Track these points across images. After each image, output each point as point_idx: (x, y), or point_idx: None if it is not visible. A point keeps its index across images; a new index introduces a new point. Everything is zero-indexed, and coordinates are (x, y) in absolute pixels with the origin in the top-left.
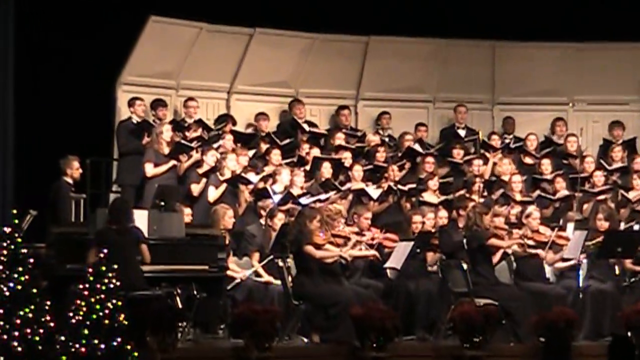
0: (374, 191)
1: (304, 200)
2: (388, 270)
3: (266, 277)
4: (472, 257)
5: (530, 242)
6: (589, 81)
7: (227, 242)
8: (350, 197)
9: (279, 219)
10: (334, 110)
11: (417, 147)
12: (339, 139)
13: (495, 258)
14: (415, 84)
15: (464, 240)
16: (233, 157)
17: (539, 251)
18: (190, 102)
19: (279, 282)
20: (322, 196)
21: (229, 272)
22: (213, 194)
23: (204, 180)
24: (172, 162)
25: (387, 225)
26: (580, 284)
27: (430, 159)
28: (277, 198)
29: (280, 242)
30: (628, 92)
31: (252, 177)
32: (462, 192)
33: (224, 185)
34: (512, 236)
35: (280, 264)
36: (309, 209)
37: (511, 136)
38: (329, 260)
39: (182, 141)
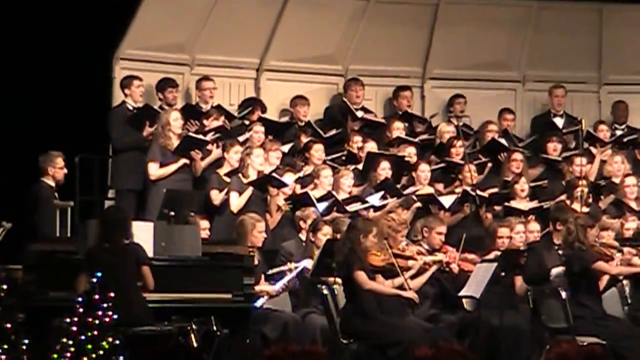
0: (445, 198)
1: (352, 207)
2: (464, 300)
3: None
4: (573, 283)
5: None
6: None
7: (256, 263)
8: (414, 205)
9: (324, 234)
10: (393, 93)
11: (501, 140)
12: (399, 129)
13: (602, 283)
14: (498, 59)
15: (562, 262)
16: (260, 152)
17: None
18: (206, 82)
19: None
20: (377, 201)
21: (257, 287)
22: (236, 201)
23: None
24: (184, 161)
25: (464, 242)
26: None
27: (518, 156)
28: (321, 206)
29: (325, 263)
30: None
31: (287, 178)
32: (560, 198)
33: (250, 190)
34: (625, 257)
35: (325, 291)
36: (363, 220)
37: (624, 126)
38: (386, 291)
39: (195, 135)
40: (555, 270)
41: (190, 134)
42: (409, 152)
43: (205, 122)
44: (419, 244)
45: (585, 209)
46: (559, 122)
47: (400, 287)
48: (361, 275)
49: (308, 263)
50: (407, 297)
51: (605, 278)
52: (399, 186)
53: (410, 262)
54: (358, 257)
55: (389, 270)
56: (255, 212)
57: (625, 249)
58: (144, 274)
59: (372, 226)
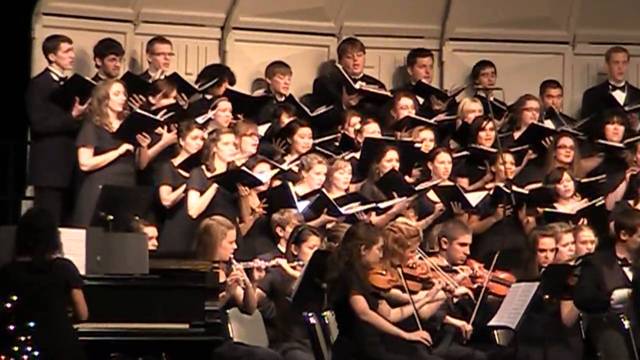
0: (472, 195)
1: (348, 209)
2: (497, 332)
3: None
4: None
5: None
6: None
7: (221, 282)
8: (436, 210)
9: (311, 246)
10: (407, 59)
11: (546, 122)
12: (407, 107)
13: None
14: (539, 14)
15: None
16: (231, 138)
17: None
18: (161, 44)
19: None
20: (383, 203)
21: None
22: (196, 202)
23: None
24: (126, 146)
25: (494, 256)
26: None
27: (568, 142)
28: (302, 205)
29: (312, 282)
30: None
31: (263, 173)
32: (616, 195)
33: (214, 188)
34: None
35: (313, 320)
36: (367, 227)
37: None
38: (387, 327)
39: (143, 112)
40: (619, 293)
41: (138, 110)
42: (424, 137)
43: (151, 98)
44: (436, 257)
45: None
46: (620, 96)
47: (410, 319)
48: (359, 301)
49: (283, 262)
50: (414, 341)
51: None
52: (410, 181)
53: (421, 292)
54: (357, 276)
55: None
56: (224, 216)
57: None
58: (76, 299)
59: (378, 236)
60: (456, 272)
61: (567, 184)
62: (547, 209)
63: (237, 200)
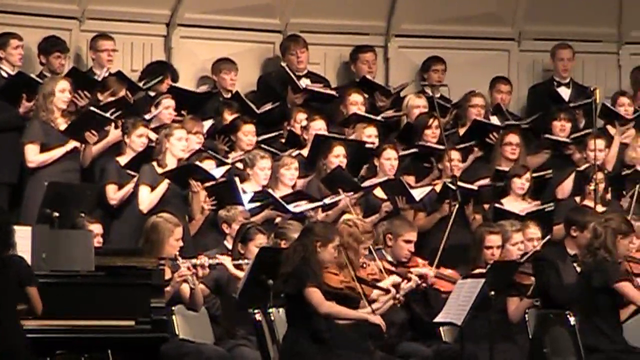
0: (416, 190)
1: (296, 207)
2: (442, 329)
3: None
4: (588, 305)
5: None
6: None
7: (167, 278)
8: (382, 209)
9: (259, 245)
10: (350, 55)
11: (492, 118)
12: (358, 103)
13: (627, 312)
14: (485, 10)
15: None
16: (183, 134)
17: None
18: (104, 41)
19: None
20: (327, 199)
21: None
22: (147, 197)
23: (131, 182)
24: (73, 144)
25: (441, 253)
26: None
27: (514, 138)
28: (251, 204)
29: (258, 279)
30: None
31: (211, 168)
32: (559, 191)
33: (165, 183)
34: None
35: (259, 317)
36: (324, 225)
37: None
38: (344, 321)
39: (97, 110)
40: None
41: (92, 108)
42: (369, 134)
43: (99, 95)
44: (381, 256)
45: (602, 208)
46: (565, 92)
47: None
48: (315, 293)
49: (226, 261)
50: (375, 323)
51: (631, 307)
52: (357, 178)
53: (376, 292)
54: (313, 271)
55: (347, 296)
56: (171, 213)
57: None
58: (31, 297)
59: (335, 235)
60: (408, 278)
61: (524, 183)
62: (496, 206)
63: (186, 197)
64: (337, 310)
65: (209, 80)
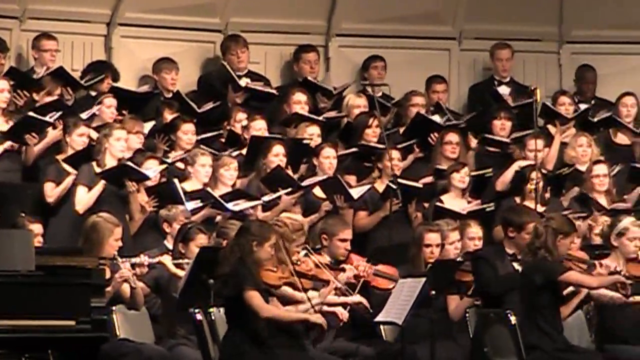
0: (354, 189)
1: (235, 205)
2: (383, 328)
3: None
4: (529, 304)
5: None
6: None
7: (107, 278)
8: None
9: (199, 244)
10: (293, 55)
11: (433, 117)
12: (300, 102)
13: (569, 308)
14: (426, 9)
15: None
16: (122, 134)
17: None
18: (47, 41)
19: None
20: (267, 197)
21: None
22: (84, 197)
23: (70, 177)
24: (8, 143)
25: (381, 252)
26: None
27: (454, 137)
28: (191, 204)
29: (199, 279)
30: None
31: (151, 168)
32: (498, 184)
33: (102, 184)
34: (598, 270)
35: (199, 316)
36: (260, 224)
37: (591, 98)
38: (288, 317)
39: (37, 115)
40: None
41: (31, 114)
42: (312, 133)
43: (36, 95)
44: (320, 255)
45: (542, 208)
46: (505, 91)
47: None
48: (255, 297)
49: (167, 260)
50: (317, 323)
51: (577, 300)
52: (297, 177)
53: (311, 294)
54: (249, 271)
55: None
56: (110, 213)
57: (600, 265)
58: None
59: (271, 233)
60: (342, 270)
61: (464, 177)
62: (437, 204)
63: (126, 197)
64: (278, 314)
65: (150, 80)
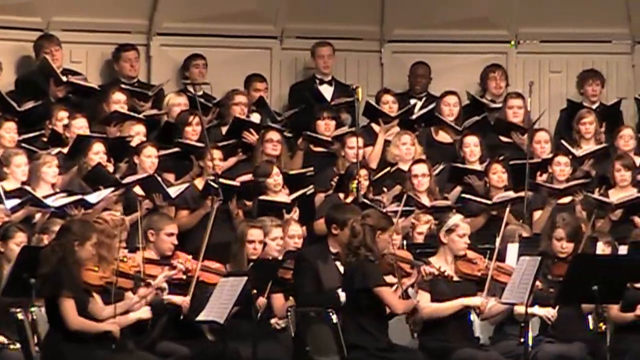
0: (172, 188)
1: (55, 201)
2: (205, 327)
3: None
4: (351, 304)
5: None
6: (545, 5)
7: None
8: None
9: (19, 243)
10: (113, 54)
11: (252, 116)
12: (119, 102)
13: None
14: (248, 8)
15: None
16: None
17: (476, 299)
18: None
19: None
20: (91, 195)
21: None
22: None
23: None
24: None
25: (205, 250)
26: (530, 347)
27: (275, 135)
28: (10, 203)
29: (20, 278)
30: (611, 23)
31: None
32: (325, 189)
33: None
34: (423, 269)
35: (21, 316)
36: (81, 222)
37: (423, 96)
38: (97, 328)
39: None
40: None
41: None
42: (137, 131)
43: None
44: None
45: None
46: (327, 90)
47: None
48: (68, 307)
49: None
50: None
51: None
52: (119, 176)
53: (135, 294)
54: (69, 273)
55: (108, 291)
56: None
57: (423, 266)
58: None
59: (92, 232)
60: (171, 265)
61: (276, 178)
62: (261, 198)
63: None
64: (87, 327)
65: None
